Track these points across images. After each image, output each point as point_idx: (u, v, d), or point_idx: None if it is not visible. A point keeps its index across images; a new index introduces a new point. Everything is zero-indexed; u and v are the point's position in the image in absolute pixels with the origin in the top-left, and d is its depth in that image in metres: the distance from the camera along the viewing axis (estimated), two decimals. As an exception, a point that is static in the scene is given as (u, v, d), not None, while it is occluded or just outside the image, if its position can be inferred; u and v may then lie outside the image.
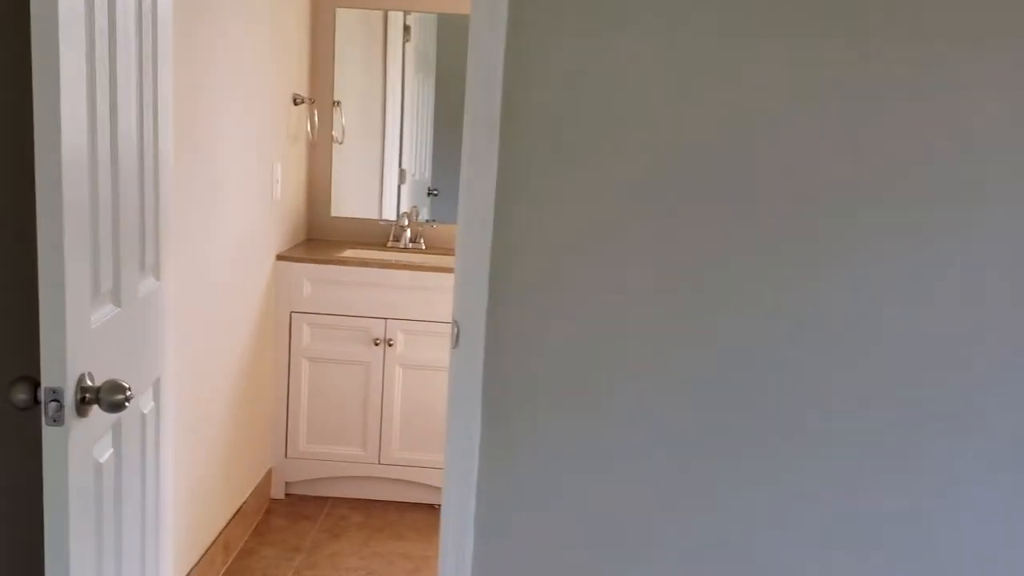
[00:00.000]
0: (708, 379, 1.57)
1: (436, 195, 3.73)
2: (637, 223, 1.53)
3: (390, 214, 3.67)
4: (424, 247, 3.58)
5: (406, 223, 3.54)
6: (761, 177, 1.50)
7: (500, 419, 1.65)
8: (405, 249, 3.55)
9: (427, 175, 3.74)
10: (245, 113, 2.72)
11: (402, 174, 3.71)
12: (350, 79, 3.59)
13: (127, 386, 1.32)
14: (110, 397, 1.30)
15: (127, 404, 1.32)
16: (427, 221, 3.65)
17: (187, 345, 2.34)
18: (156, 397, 1.70)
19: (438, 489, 3.28)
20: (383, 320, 3.18)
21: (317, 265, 3.15)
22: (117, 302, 1.45)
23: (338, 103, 3.55)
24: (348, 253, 3.42)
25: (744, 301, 1.54)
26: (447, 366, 3.18)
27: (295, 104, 3.28)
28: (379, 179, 3.68)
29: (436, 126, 3.67)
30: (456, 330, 1.69)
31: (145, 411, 1.63)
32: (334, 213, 3.65)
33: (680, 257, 1.54)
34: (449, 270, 3.14)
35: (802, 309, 1.52)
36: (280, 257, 3.16)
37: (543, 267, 1.59)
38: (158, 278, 1.68)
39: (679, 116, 1.49)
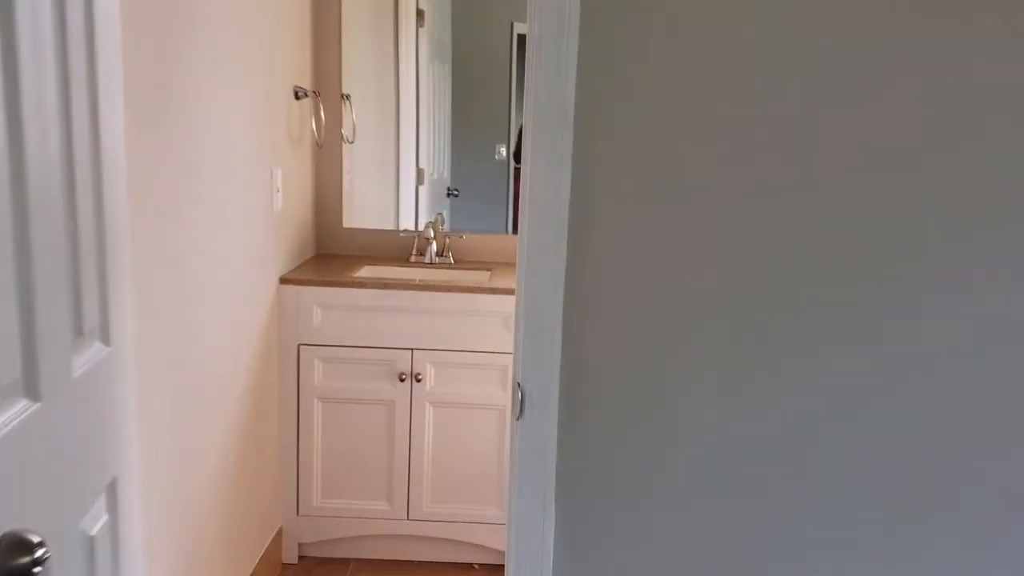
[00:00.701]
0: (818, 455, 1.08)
1: (456, 195, 3.24)
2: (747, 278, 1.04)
3: (408, 222, 3.17)
4: (452, 261, 3.08)
5: (431, 235, 3.03)
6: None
7: (576, 506, 1.21)
8: (431, 264, 3.05)
9: (446, 173, 3.25)
10: (234, 111, 2.22)
11: (420, 174, 3.21)
12: (359, 69, 3.09)
13: (36, 540, 0.82)
14: (5, 564, 0.80)
15: (39, 567, 0.82)
16: (455, 232, 3.15)
17: (169, 399, 1.84)
18: (111, 507, 1.21)
19: (476, 547, 2.78)
20: (409, 351, 2.68)
21: (329, 288, 2.65)
22: (33, 394, 0.95)
23: (347, 97, 3.05)
24: (365, 272, 2.92)
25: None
26: (486, 402, 2.71)
27: (297, 98, 2.78)
28: (394, 182, 3.18)
29: (454, 118, 3.17)
30: (520, 395, 1.25)
31: (93, 532, 1.14)
32: (347, 224, 3.15)
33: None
34: (486, 290, 2.64)
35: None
36: (284, 280, 2.66)
37: (633, 317, 1.13)
38: (108, 342, 1.18)
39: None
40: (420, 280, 2.71)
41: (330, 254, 3.14)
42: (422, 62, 3.15)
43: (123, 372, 1.23)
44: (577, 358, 1.22)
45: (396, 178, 3.18)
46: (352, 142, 3.09)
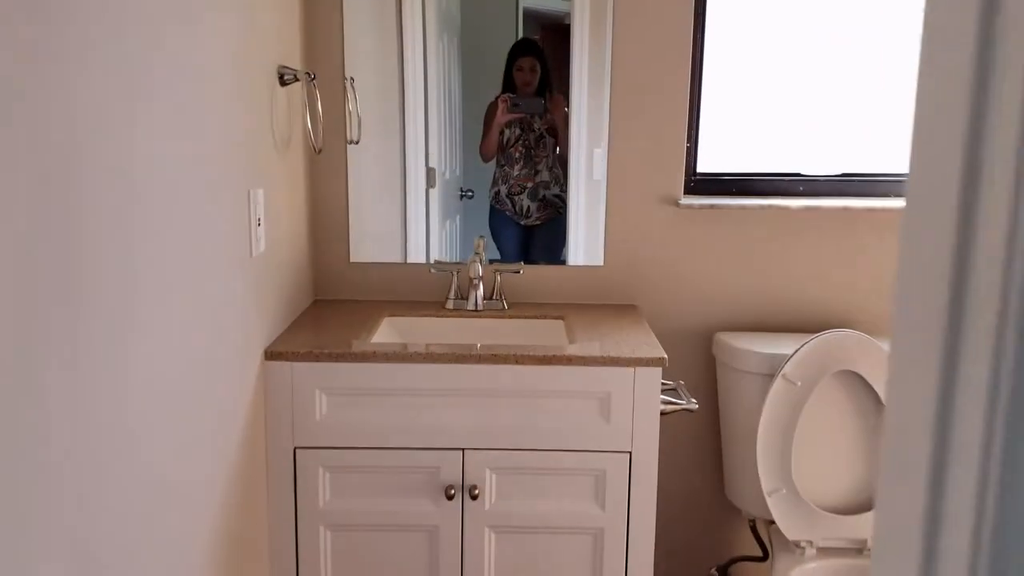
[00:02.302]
0: None
1: (471, 197, 2.37)
2: None
3: (434, 247, 2.31)
4: (506, 306, 2.21)
5: (478, 272, 2.16)
6: None
7: None
8: (477, 313, 2.18)
9: (458, 171, 2.38)
10: (182, 107, 1.35)
11: (430, 175, 2.33)
12: (359, 44, 2.22)
13: None
14: None
15: None
16: (504, 264, 2.28)
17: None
18: None
19: None
20: (458, 452, 1.82)
21: (336, 364, 1.79)
22: None
23: (351, 81, 2.18)
24: (385, 329, 2.06)
25: None
26: (574, 524, 1.82)
27: (283, 83, 1.90)
28: (400, 189, 2.30)
29: (465, 105, 2.30)
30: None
31: None
32: (356, 257, 2.28)
33: None
34: (575, 360, 1.77)
35: None
36: (271, 355, 1.79)
37: None
38: None
39: None
40: (469, 351, 1.84)
41: (334, 301, 2.27)
42: (430, 39, 2.27)
43: None
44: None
45: (403, 184, 2.30)
46: (357, 142, 2.22)
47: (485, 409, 1.81)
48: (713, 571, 2.37)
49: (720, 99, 2.25)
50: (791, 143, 2.29)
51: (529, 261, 2.28)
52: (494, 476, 1.83)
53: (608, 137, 2.20)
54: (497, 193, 2.31)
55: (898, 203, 2.19)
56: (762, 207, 2.18)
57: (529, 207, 2.30)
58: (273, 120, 1.85)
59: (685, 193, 2.24)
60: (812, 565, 1.97)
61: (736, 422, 2.11)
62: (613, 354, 1.78)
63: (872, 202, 2.19)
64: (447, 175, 2.37)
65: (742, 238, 2.23)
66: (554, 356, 1.78)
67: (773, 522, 2.09)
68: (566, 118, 2.23)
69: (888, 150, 2.29)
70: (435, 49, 2.28)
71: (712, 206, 2.18)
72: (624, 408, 1.80)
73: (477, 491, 1.82)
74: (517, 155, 2.29)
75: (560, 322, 2.12)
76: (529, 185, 2.29)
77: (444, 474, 1.83)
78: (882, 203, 2.19)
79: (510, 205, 2.31)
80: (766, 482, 1.98)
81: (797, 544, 2.00)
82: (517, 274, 2.25)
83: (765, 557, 2.24)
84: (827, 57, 2.25)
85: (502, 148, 2.29)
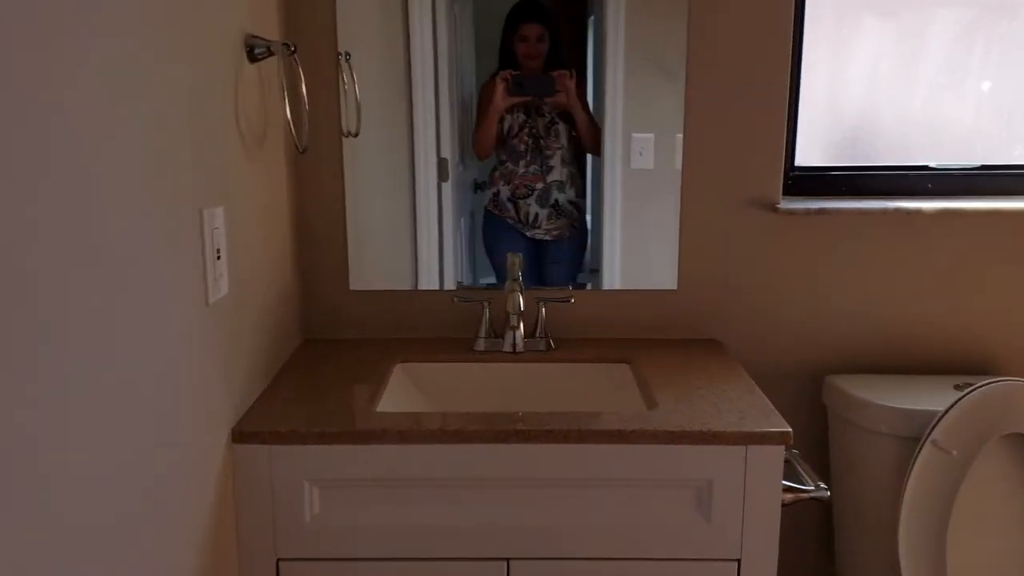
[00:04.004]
0: None
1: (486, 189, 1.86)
2: None
3: (449, 262, 1.80)
4: (553, 346, 1.70)
5: (518, 305, 1.64)
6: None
7: None
8: (516, 356, 1.67)
9: (471, 161, 1.86)
10: (91, 90, 0.84)
11: (442, 167, 1.81)
12: (354, 15, 1.70)
13: None
14: None
15: None
16: (556, 293, 1.78)
17: None
18: None
19: None
20: (501, 563, 1.32)
21: (331, 447, 1.29)
22: None
23: (346, 57, 1.67)
24: (398, 386, 1.56)
25: None
26: None
27: (253, 58, 1.40)
28: (409, 189, 1.79)
29: (479, 81, 1.78)
30: None
31: None
32: (356, 284, 1.78)
33: None
34: (661, 436, 1.28)
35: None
36: (242, 436, 1.29)
37: None
38: None
39: None
40: (523, 423, 1.33)
41: (330, 342, 1.76)
42: (439, 10, 1.75)
43: None
44: None
45: (411, 182, 1.79)
46: (356, 134, 1.71)
47: (536, 504, 1.31)
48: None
49: (821, 71, 1.74)
50: (912, 126, 1.77)
51: (536, 284, 1.77)
52: (551, 594, 1.34)
53: (684, 121, 1.68)
54: (496, 195, 1.79)
55: (1068, 204, 1.67)
56: (884, 211, 1.67)
57: (537, 215, 1.77)
58: (239, 109, 1.34)
59: (783, 194, 1.72)
60: None
61: (858, 492, 1.60)
62: (715, 427, 1.28)
63: (1028, 202, 1.68)
64: (460, 167, 1.86)
65: (859, 251, 1.71)
66: (633, 432, 1.28)
67: (909, 625, 1.59)
68: (585, 98, 1.70)
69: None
70: (445, 16, 1.77)
71: (820, 211, 1.67)
72: (731, 501, 1.30)
73: (528, 615, 1.33)
74: (522, 147, 1.77)
75: (626, 367, 1.61)
76: (539, 186, 1.76)
77: (482, 592, 1.33)
78: (1043, 204, 1.67)
79: (512, 211, 1.79)
80: (913, 584, 1.48)
81: (954, 666, 1.51)
82: (567, 303, 1.74)
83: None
84: (957, 9, 1.74)
85: (502, 139, 1.77)
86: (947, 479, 1.46)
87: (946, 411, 1.47)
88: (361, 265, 1.77)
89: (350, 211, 1.75)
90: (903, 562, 1.48)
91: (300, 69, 1.44)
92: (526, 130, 1.77)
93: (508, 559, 1.32)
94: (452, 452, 1.29)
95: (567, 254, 1.81)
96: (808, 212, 1.67)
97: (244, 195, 1.38)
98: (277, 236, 1.59)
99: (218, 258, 1.23)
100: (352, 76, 1.66)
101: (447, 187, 1.81)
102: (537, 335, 1.69)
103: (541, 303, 1.70)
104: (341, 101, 1.67)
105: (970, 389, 1.47)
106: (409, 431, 1.28)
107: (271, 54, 1.43)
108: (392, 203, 1.77)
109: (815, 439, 1.77)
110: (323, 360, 1.64)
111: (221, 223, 1.24)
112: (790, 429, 1.28)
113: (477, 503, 1.31)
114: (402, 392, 1.57)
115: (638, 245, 1.75)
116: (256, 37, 1.41)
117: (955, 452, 1.46)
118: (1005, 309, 1.72)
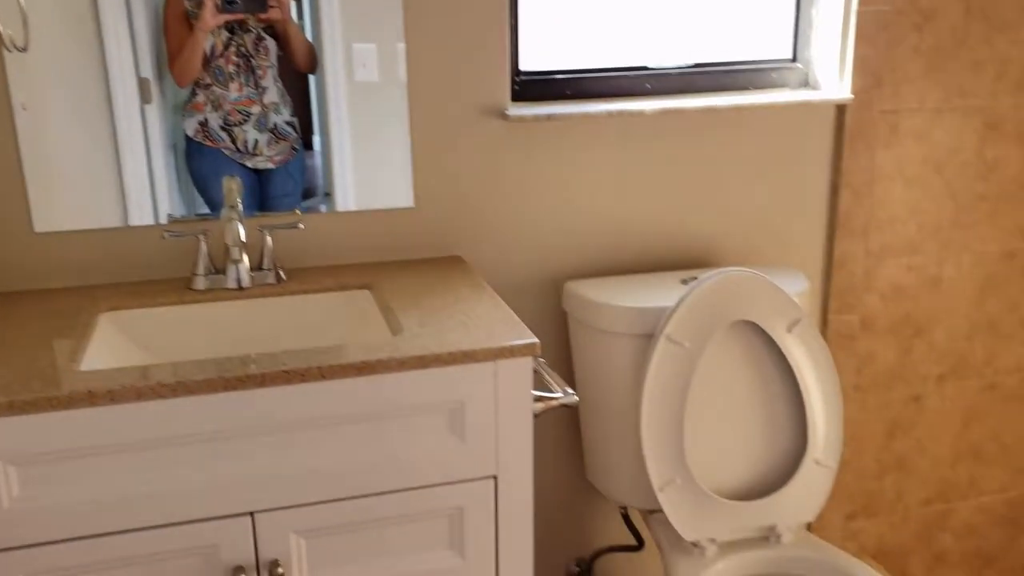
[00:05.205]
0: None
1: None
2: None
3: (162, 196, 1.60)
4: (284, 276, 1.57)
5: (238, 233, 1.47)
6: None
7: None
8: (243, 292, 1.52)
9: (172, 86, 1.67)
10: None
11: (144, 87, 1.60)
12: None
13: None
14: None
15: None
16: (281, 219, 1.63)
17: None
18: None
19: None
20: (245, 518, 1.21)
21: (29, 417, 1.10)
22: None
23: (-1, -49, 1.39)
24: (107, 336, 1.37)
25: None
26: None
27: None
28: (107, 113, 1.56)
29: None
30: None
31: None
32: (43, 226, 1.53)
33: None
34: (411, 361, 1.21)
35: None
36: (-98, 421, 1.06)
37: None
38: None
39: None
40: (256, 364, 1.20)
41: (12, 294, 1.51)
42: None
43: None
44: None
45: (108, 106, 1.55)
46: (24, 48, 1.44)
47: (279, 450, 1.20)
48: (572, 566, 1.95)
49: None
50: (624, 28, 1.79)
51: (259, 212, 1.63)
52: (303, 543, 1.25)
53: (404, 28, 1.58)
54: (204, 124, 1.60)
55: (773, 97, 1.77)
56: (609, 114, 1.68)
57: (257, 141, 1.60)
58: None
59: (512, 100, 1.68)
60: (718, 566, 1.58)
61: (600, 395, 1.65)
62: (463, 346, 1.23)
63: (741, 98, 1.76)
64: (166, 91, 1.63)
65: (588, 156, 1.72)
66: (379, 362, 1.20)
67: (654, 511, 1.68)
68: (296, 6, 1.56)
69: (743, 33, 1.86)
70: None
71: (549, 116, 1.65)
72: (484, 418, 1.26)
73: (281, 568, 1.23)
74: (232, 68, 1.58)
75: (367, 293, 1.52)
76: (255, 110, 1.59)
77: (227, 551, 1.21)
78: (754, 99, 1.76)
79: (228, 140, 1.61)
80: (657, 474, 1.55)
81: (696, 544, 1.60)
82: (296, 229, 1.60)
83: (640, 546, 1.84)
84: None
85: (206, 61, 1.57)
86: (682, 371, 1.53)
87: (676, 306, 1.52)
88: (49, 204, 1.52)
89: (24, 141, 1.48)
90: (646, 455, 1.54)
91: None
92: (232, 48, 1.57)
93: (252, 512, 1.21)
94: (177, 407, 1.14)
95: (292, 179, 1.66)
96: (537, 118, 1.64)
97: None
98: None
99: None
100: (7, -24, 1.38)
101: (151, 109, 1.58)
102: (264, 267, 1.55)
103: (265, 231, 1.55)
104: (-4, 7, 1.39)
105: (696, 283, 1.54)
106: (122, 389, 1.12)
107: None
108: (85, 131, 1.52)
109: (560, 346, 1.79)
110: (4, 318, 1.39)
111: None
112: (537, 340, 1.26)
113: (213, 459, 1.17)
114: (112, 346, 1.37)
115: (371, 163, 1.64)
116: None
117: (687, 344, 1.53)
118: (722, 202, 1.82)
